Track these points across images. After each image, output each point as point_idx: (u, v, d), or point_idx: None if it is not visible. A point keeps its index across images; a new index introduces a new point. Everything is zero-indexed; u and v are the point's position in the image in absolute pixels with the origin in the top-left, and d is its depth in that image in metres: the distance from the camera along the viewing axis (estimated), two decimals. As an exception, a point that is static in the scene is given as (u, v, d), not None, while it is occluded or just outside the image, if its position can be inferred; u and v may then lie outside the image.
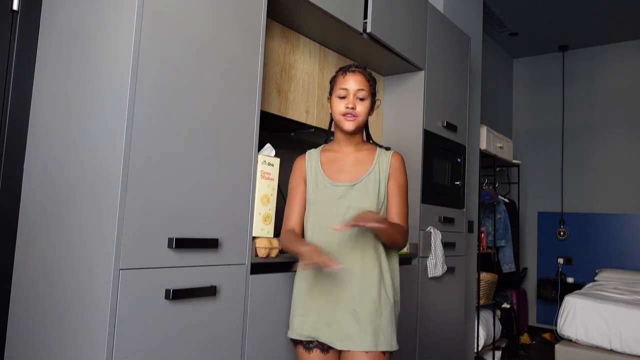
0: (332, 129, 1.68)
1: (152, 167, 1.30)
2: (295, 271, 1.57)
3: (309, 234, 1.57)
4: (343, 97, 1.56)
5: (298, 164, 1.66)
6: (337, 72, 1.62)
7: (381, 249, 1.54)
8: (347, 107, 1.54)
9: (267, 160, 1.65)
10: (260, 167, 1.62)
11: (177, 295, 1.32)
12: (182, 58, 1.38)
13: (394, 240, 1.51)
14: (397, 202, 1.57)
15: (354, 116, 1.55)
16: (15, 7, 1.60)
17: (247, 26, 1.59)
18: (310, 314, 1.51)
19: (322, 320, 1.49)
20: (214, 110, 1.47)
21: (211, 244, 1.43)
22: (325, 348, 1.52)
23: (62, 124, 1.44)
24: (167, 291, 1.31)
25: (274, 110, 2.05)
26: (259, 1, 1.64)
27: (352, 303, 1.47)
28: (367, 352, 1.44)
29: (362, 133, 1.66)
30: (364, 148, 1.63)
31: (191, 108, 1.40)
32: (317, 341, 1.51)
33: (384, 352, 1.47)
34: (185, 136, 1.38)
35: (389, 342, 1.48)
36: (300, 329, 1.52)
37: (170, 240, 1.32)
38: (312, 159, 1.64)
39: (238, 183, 1.54)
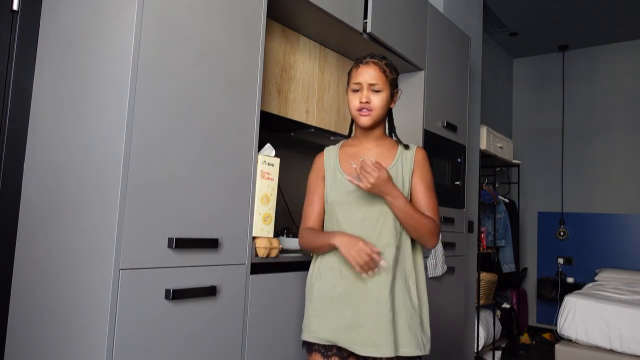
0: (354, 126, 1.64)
1: (152, 167, 1.30)
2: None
3: (330, 230, 1.52)
4: (357, 91, 1.50)
5: (316, 161, 1.61)
6: (353, 65, 1.55)
7: (406, 249, 1.48)
8: (361, 102, 1.48)
9: (267, 160, 1.65)
10: (260, 167, 1.62)
11: (177, 295, 1.32)
12: (182, 58, 1.38)
13: (417, 229, 1.44)
14: (424, 196, 1.50)
15: (368, 110, 1.48)
16: (15, 7, 1.60)
17: (247, 26, 1.59)
18: (329, 316, 1.45)
19: (342, 324, 1.43)
20: (214, 110, 1.47)
21: (211, 244, 1.43)
22: (344, 356, 1.46)
23: (62, 124, 1.44)
24: (167, 291, 1.31)
25: (274, 110, 2.05)
26: (259, 1, 1.64)
27: (373, 306, 1.41)
28: (387, 359, 1.40)
29: (383, 127, 1.58)
30: (384, 143, 1.57)
31: (191, 108, 1.40)
32: (336, 347, 1.46)
33: (407, 358, 1.43)
34: (185, 136, 1.38)
35: (410, 346, 1.42)
36: (319, 331, 1.45)
37: (170, 240, 1.32)
38: (330, 155, 1.59)
39: (238, 183, 1.54)
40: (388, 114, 1.58)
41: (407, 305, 1.45)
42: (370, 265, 1.37)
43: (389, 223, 1.46)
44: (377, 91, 1.49)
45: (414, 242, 1.52)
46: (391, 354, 1.39)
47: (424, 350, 1.45)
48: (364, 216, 1.47)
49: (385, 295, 1.41)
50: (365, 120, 1.49)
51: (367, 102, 1.48)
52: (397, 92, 1.57)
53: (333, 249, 1.44)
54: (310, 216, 1.57)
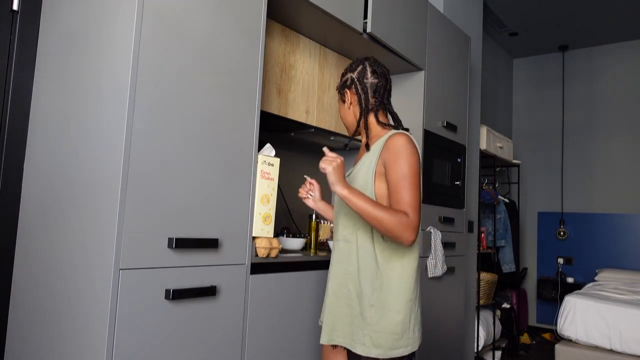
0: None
1: (152, 167, 1.30)
2: None
3: None
4: None
5: None
6: None
7: (362, 243, 1.46)
8: None
9: (267, 160, 1.65)
10: (260, 167, 1.62)
11: (177, 295, 1.32)
12: (182, 58, 1.38)
13: (377, 226, 1.34)
14: (394, 187, 1.38)
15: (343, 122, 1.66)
16: (15, 7, 1.60)
17: (247, 26, 1.59)
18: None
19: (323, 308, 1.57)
20: (214, 110, 1.47)
21: (211, 244, 1.43)
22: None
23: (62, 124, 1.44)
24: (167, 291, 1.31)
25: (274, 110, 2.05)
26: (259, 1, 1.64)
27: (327, 294, 1.54)
28: (323, 345, 1.53)
29: (365, 127, 1.55)
30: (379, 137, 1.53)
31: (191, 108, 1.40)
32: None
33: (346, 350, 1.50)
34: (185, 136, 1.38)
35: (344, 338, 1.45)
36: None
37: (170, 240, 1.32)
38: None
39: (238, 183, 1.54)
40: (362, 112, 1.56)
41: (355, 303, 1.45)
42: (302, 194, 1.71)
43: (343, 216, 1.55)
44: (342, 104, 1.63)
45: (379, 238, 1.47)
46: (323, 342, 1.49)
47: (363, 349, 1.40)
48: (336, 209, 1.61)
49: (333, 289, 1.52)
50: (347, 130, 1.67)
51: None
52: (345, 91, 1.60)
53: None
54: None
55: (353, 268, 1.47)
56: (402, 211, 1.35)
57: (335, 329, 1.48)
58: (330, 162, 1.40)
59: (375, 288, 1.42)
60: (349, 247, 1.50)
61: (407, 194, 1.37)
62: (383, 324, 1.40)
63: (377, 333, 1.40)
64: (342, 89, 1.61)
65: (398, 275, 1.44)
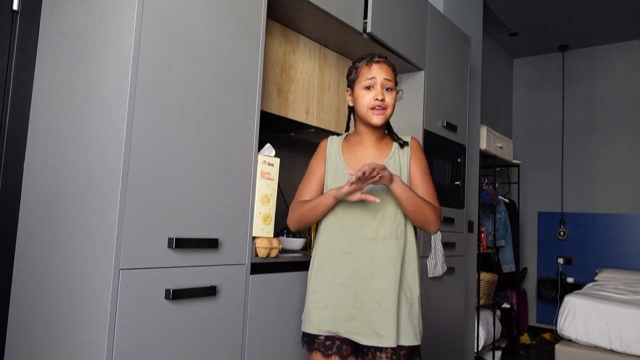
0: (353, 122, 1.62)
1: (152, 167, 1.30)
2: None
3: (328, 222, 1.51)
4: (369, 88, 1.48)
5: (321, 146, 1.61)
6: (358, 62, 1.53)
7: (410, 240, 1.50)
8: (377, 99, 1.46)
9: (267, 160, 1.65)
10: (260, 167, 1.62)
11: (177, 295, 1.32)
12: (182, 58, 1.38)
13: (419, 213, 1.45)
14: (423, 184, 1.53)
15: (382, 109, 1.47)
16: (15, 7, 1.60)
17: (247, 26, 1.59)
18: (329, 308, 1.45)
19: (342, 314, 1.44)
20: (214, 110, 1.47)
21: (211, 244, 1.43)
22: (343, 355, 1.47)
23: (62, 124, 1.44)
24: (167, 291, 1.31)
25: (274, 110, 2.05)
26: (259, 1, 1.64)
27: (374, 297, 1.43)
28: (387, 348, 1.41)
29: (384, 126, 1.58)
30: (383, 141, 1.57)
31: (191, 108, 1.41)
32: (336, 345, 1.46)
33: (404, 347, 1.44)
34: (185, 136, 1.38)
35: (409, 336, 1.44)
36: (319, 323, 1.45)
37: (170, 240, 1.32)
38: (333, 144, 1.59)
39: (238, 183, 1.54)
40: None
41: (407, 297, 1.47)
42: (357, 185, 1.36)
43: (390, 214, 1.48)
44: (389, 89, 1.50)
45: (413, 234, 1.55)
46: (393, 344, 1.40)
47: (419, 340, 1.48)
48: (364, 207, 1.48)
49: (389, 287, 1.43)
50: (378, 119, 1.48)
51: (382, 100, 1.47)
52: (399, 92, 1.59)
53: (330, 206, 1.47)
54: (306, 193, 1.55)
55: (407, 265, 1.49)
56: (431, 202, 1.50)
57: (400, 330, 1.42)
58: (379, 167, 1.34)
59: (416, 279, 1.51)
60: (402, 244, 1.47)
61: (431, 186, 1.55)
62: (419, 315, 1.51)
63: (419, 323, 1.50)
64: (397, 81, 1.57)
65: (418, 265, 1.55)
